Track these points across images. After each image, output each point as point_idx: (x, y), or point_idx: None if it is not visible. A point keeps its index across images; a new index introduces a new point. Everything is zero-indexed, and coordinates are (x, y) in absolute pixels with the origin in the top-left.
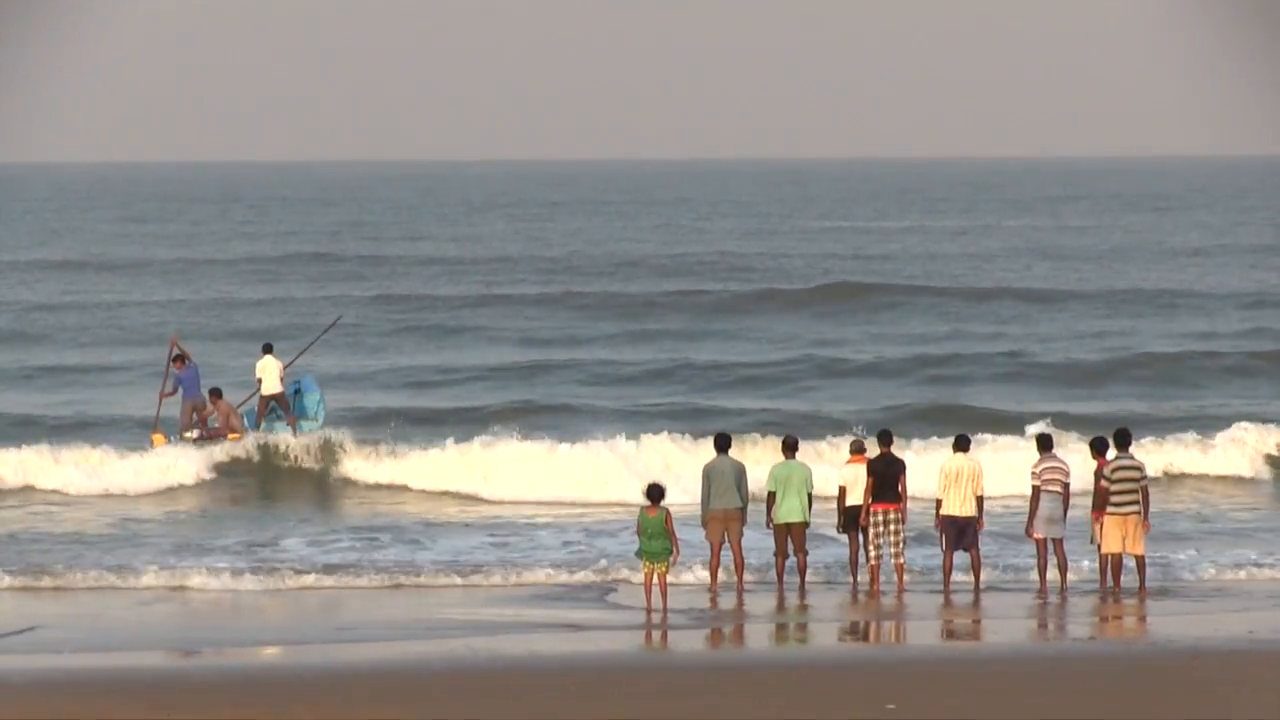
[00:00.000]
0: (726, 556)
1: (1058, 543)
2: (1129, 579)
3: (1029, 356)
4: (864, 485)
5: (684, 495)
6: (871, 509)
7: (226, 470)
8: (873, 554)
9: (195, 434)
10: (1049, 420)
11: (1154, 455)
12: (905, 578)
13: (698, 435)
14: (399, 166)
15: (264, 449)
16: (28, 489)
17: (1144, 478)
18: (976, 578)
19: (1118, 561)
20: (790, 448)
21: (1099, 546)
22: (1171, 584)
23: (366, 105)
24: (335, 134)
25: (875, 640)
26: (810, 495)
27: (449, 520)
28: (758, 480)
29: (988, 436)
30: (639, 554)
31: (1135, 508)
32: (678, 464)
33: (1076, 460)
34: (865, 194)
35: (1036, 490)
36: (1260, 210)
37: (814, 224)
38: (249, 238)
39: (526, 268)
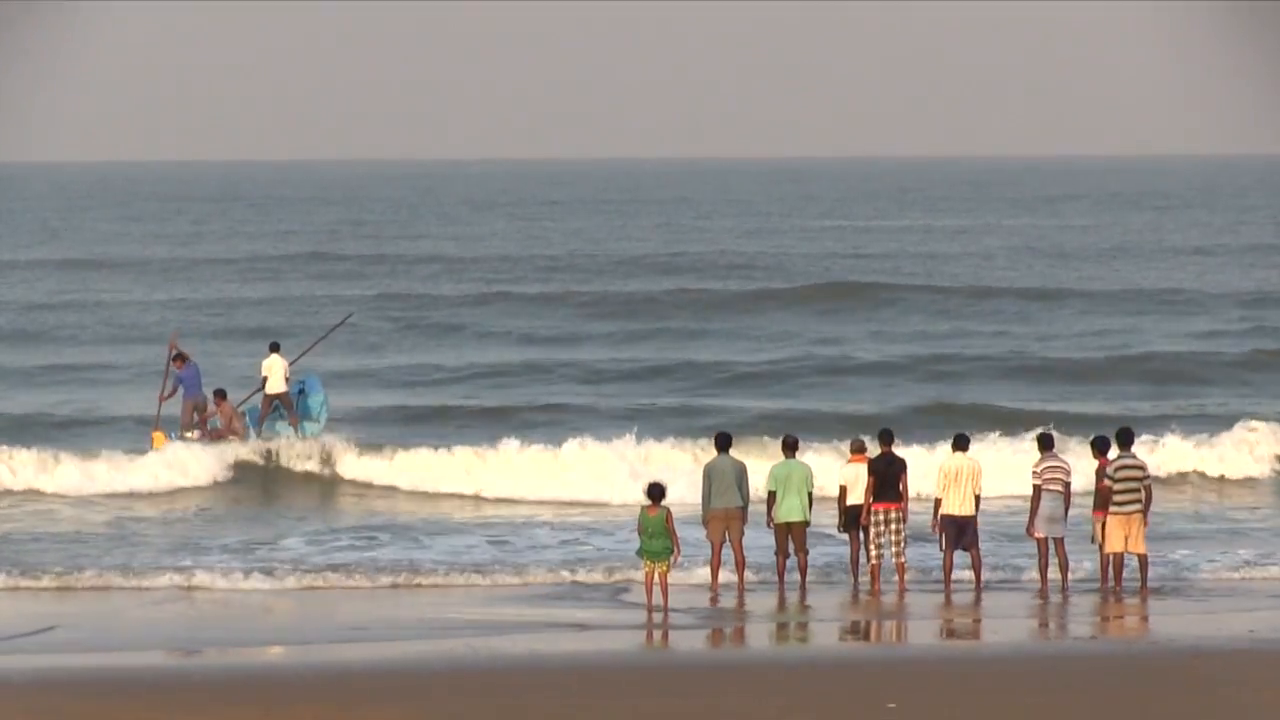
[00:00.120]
0: (727, 555)
1: (1059, 542)
2: (1130, 578)
3: (1029, 356)
4: (864, 485)
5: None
6: (872, 508)
7: (227, 470)
8: (873, 553)
9: (196, 434)
10: (1051, 425)
11: (1156, 455)
12: (906, 577)
13: (698, 434)
14: (399, 166)
15: (264, 449)
16: (27, 488)
17: (1147, 477)
18: (977, 577)
19: (1119, 561)
20: (790, 447)
21: (1100, 546)
22: (1173, 583)
23: (366, 105)
24: (335, 133)
25: (876, 639)
26: (810, 494)
27: (449, 520)
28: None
29: (994, 435)
30: (640, 553)
31: (1138, 507)
32: (677, 465)
33: (1077, 461)
34: (865, 193)
35: (1038, 489)
36: (1261, 209)
37: (814, 223)
38: (249, 237)
39: (526, 266)
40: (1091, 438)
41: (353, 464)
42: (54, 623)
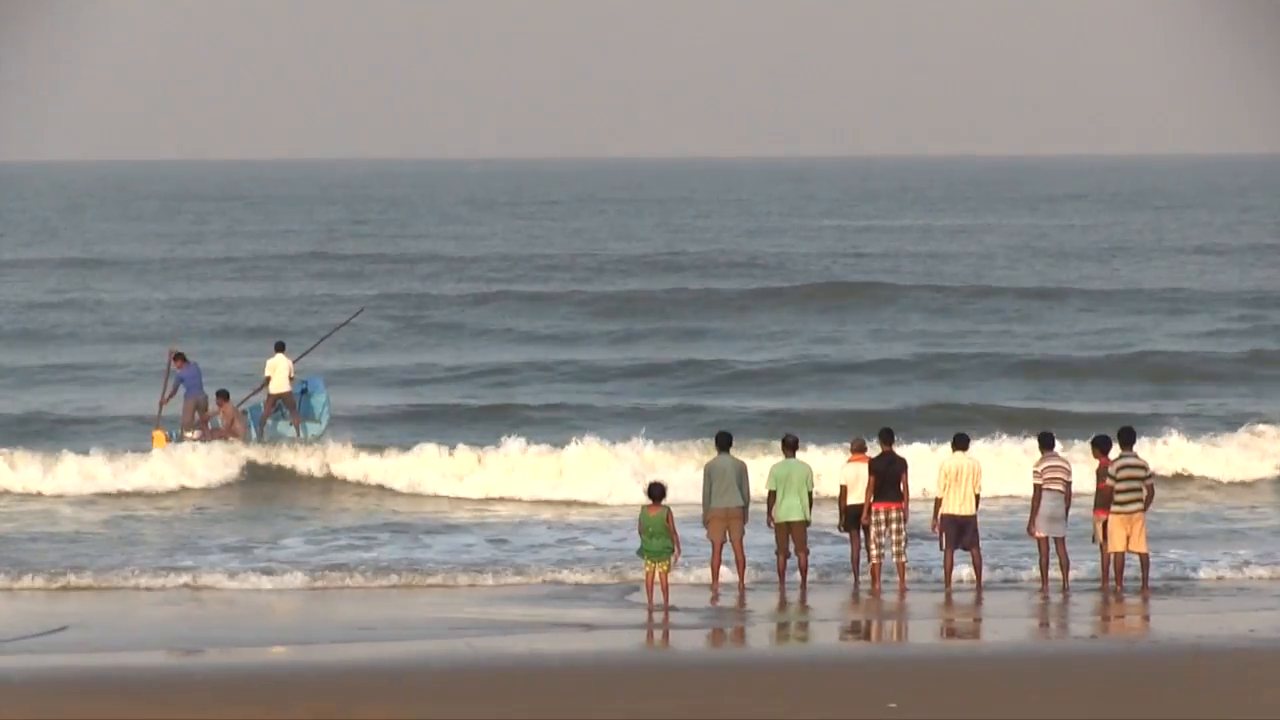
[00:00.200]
0: (728, 554)
1: (1059, 541)
2: (1132, 578)
3: (1030, 355)
4: (865, 484)
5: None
6: (873, 508)
7: (227, 471)
8: (874, 553)
9: (196, 434)
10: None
11: (1157, 454)
12: (907, 576)
13: (698, 433)
14: (399, 165)
15: (265, 450)
16: (27, 489)
17: (1149, 476)
18: (978, 576)
19: (1121, 560)
20: (790, 446)
21: (1102, 546)
22: (1174, 583)
23: (367, 104)
24: (335, 133)
25: (877, 639)
26: (811, 494)
27: (449, 519)
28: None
29: (996, 435)
30: (640, 552)
31: (1139, 506)
32: (677, 464)
33: (1082, 465)
34: (865, 192)
35: (1038, 489)
36: (1262, 209)
37: (814, 222)
38: (249, 236)
39: (526, 266)
40: (1092, 437)
41: (353, 464)
42: (59, 623)
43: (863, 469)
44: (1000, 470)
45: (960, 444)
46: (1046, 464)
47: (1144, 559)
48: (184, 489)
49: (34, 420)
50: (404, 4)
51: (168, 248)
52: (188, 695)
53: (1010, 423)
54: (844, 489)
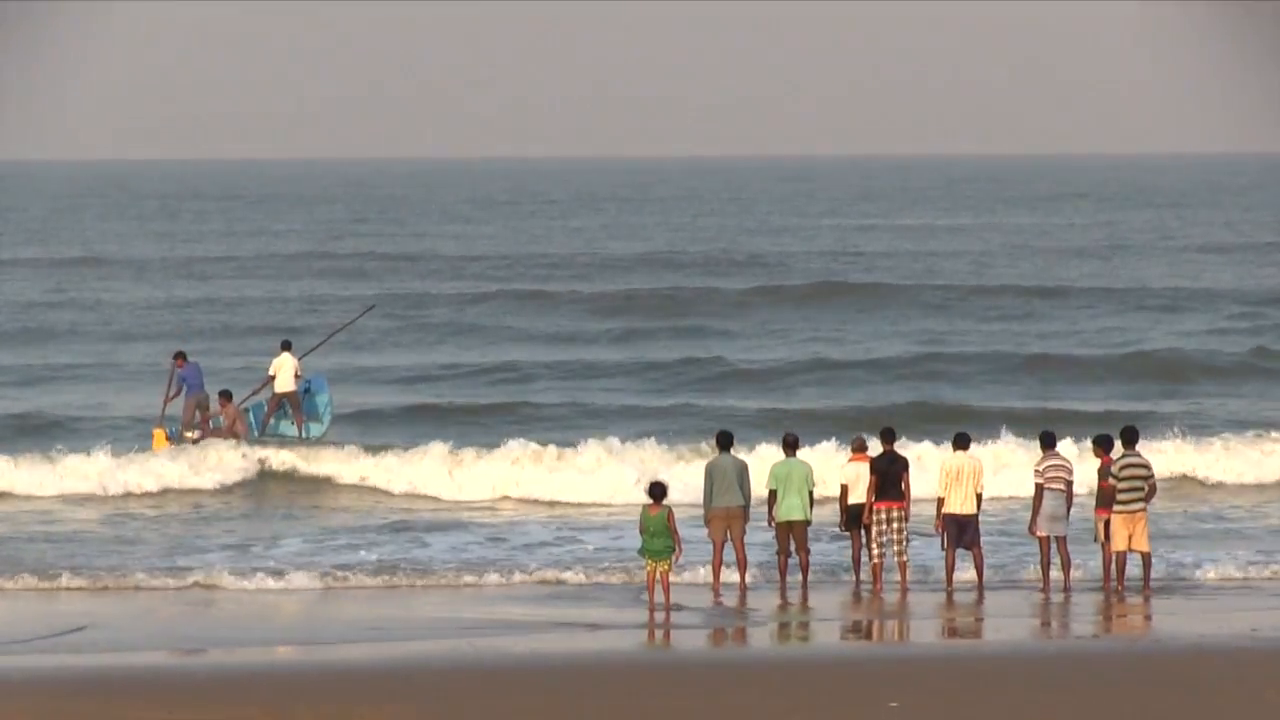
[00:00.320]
0: (729, 554)
1: (1060, 540)
2: (1133, 577)
3: (1031, 354)
4: (866, 484)
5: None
6: (874, 507)
7: (228, 471)
8: (875, 552)
9: (196, 434)
10: (1054, 432)
11: (1158, 454)
12: (908, 576)
13: (698, 433)
14: (400, 164)
15: (265, 450)
16: (27, 489)
17: (1151, 475)
18: (979, 576)
19: (1123, 559)
20: (790, 446)
21: (1103, 544)
22: (1175, 582)
23: (367, 103)
24: (335, 132)
25: (878, 638)
26: (811, 493)
27: (450, 519)
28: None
29: (999, 434)
30: (641, 552)
31: (1142, 505)
32: (677, 464)
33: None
34: (867, 191)
35: (1039, 488)
36: (1263, 208)
37: (815, 221)
38: (249, 235)
39: (527, 265)
40: (1094, 436)
41: (354, 464)
42: (65, 623)
43: (864, 468)
44: (1001, 470)
45: (961, 443)
46: (1048, 463)
47: (1146, 558)
48: (184, 489)
49: (34, 420)
50: (405, 4)
51: (168, 247)
52: (188, 695)
53: (1011, 422)
54: (845, 488)
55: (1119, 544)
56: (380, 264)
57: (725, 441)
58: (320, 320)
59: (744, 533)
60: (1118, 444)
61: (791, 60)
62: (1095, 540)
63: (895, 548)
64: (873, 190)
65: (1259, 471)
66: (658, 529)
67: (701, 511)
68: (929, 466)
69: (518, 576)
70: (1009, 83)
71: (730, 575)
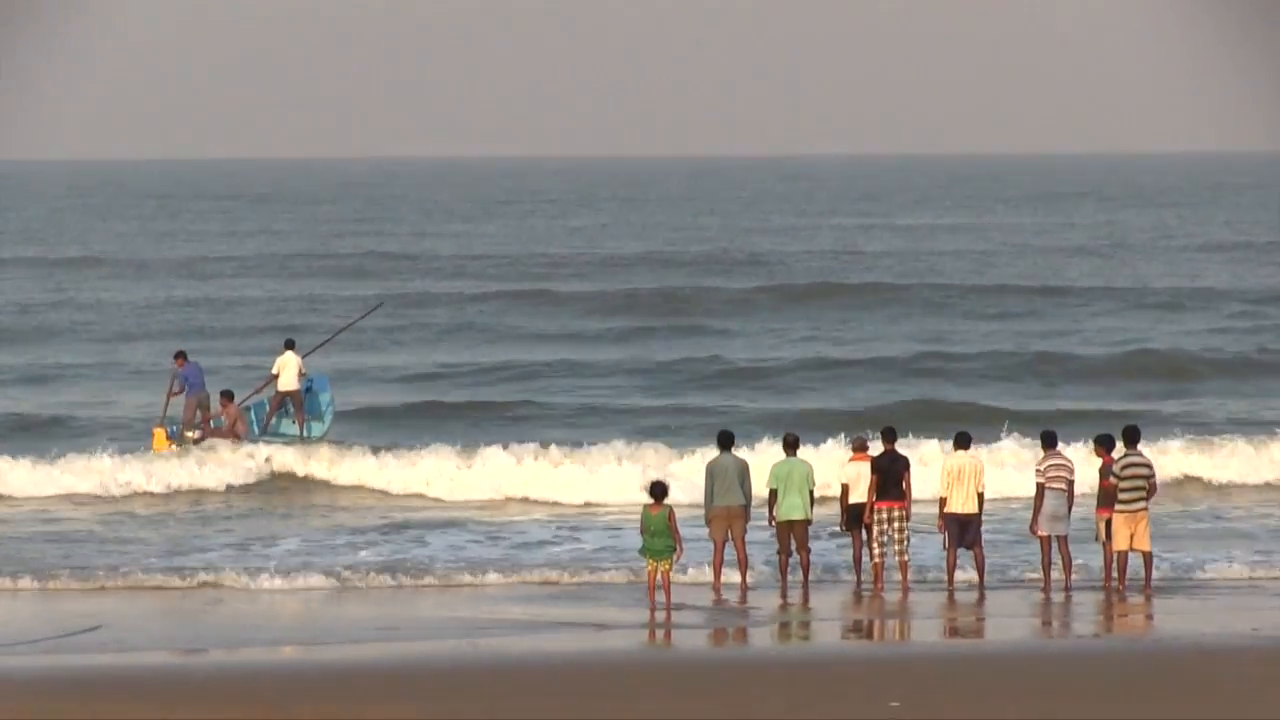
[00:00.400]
0: (730, 554)
1: (1062, 540)
2: (1135, 577)
3: (1032, 353)
4: (867, 483)
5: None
6: (876, 506)
7: (228, 471)
8: (876, 552)
9: (197, 434)
10: (1055, 431)
11: (1160, 453)
12: (909, 575)
13: (700, 432)
14: (399, 164)
15: (266, 450)
16: (28, 489)
17: (1153, 474)
18: (981, 575)
19: (1124, 559)
20: (791, 445)
21: (1104, 544)
22: (1176, 582)
23: (368, 103)
24: (334, 132)
25: (879, 638)
26: (812, 492)
27: (450, 519)
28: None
29: (1000, 434)
30: (642, 551)
31: (1144, 504)
32: (677, 463)
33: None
34: (867, 191)
35: (1041, 487)
36: (1265, 207)
37: (816, 220)
38: (249, 235)
39: (527, 265)
40: (1095, 435)
41: (354, 463)
42: (70, 624)
43: (865, 468)
44: (1003, 469)
45: (962, 443)
46: (1049, 462)
47: (1147, 557)
48: (184, 489)
49: (34, 420)
50: (406, 3)
51: (168, 246)
52: (190, 695)
53: (1013, 421)
54: (845, 488)
55: (1120, 543)
56: (381, 263)
57: (726, 441)
58: (320, 320)
59: (745, 532)
60: (1119, 443)
61: (792, 60)
62: (1096, 539)
63: (896, 547)
64: (873, 190)
65: (1260, 471)
66: (659, 528)
67: (702, 511)
68: (930, 466)
69: (518, 576)
70: (1009, 82)
71: (731, 575)
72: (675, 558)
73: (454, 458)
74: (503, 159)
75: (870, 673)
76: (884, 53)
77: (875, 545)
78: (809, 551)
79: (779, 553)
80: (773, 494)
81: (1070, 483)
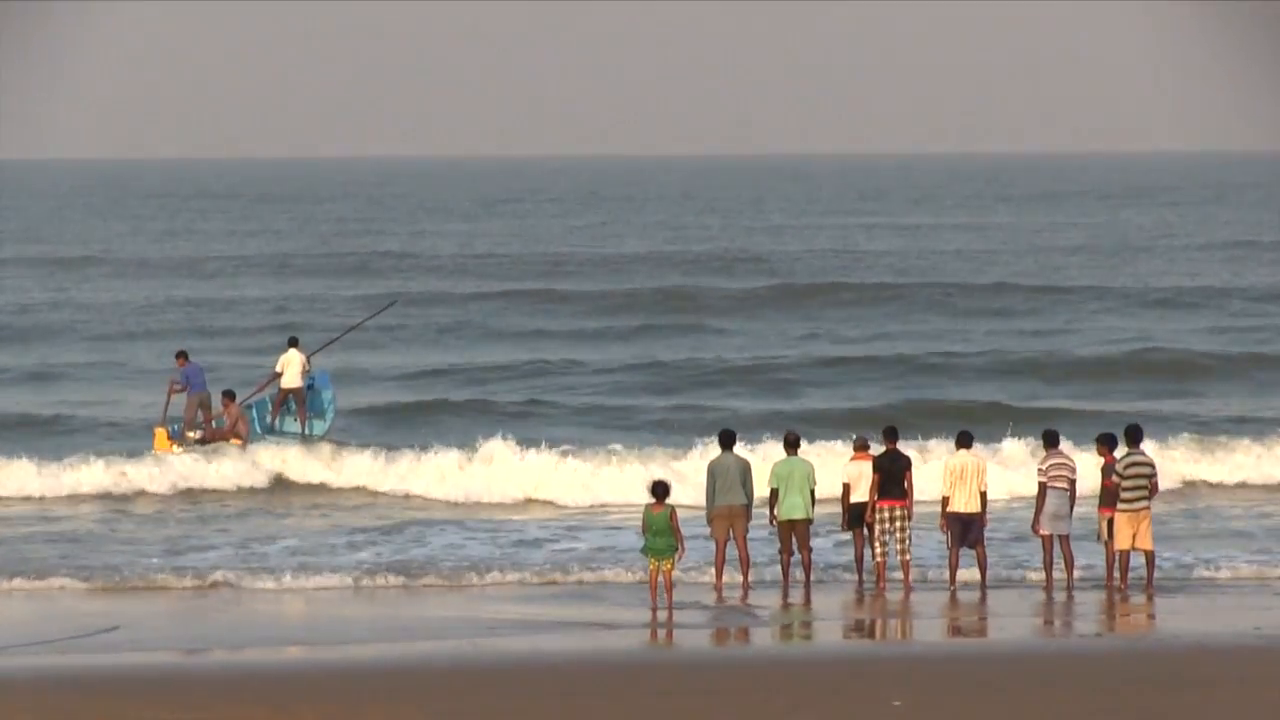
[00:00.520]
0: (731, 553)
1: (1064, 539)
2: (1136, 576)
3: (1033, 353)
4: (868, 482)
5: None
6: (877, 505)
7: (228, 472)
8: (878, 551)
9: (198, 434)
10: (1057, 431)
11: (1163, 453)
12: (911, 574)
13: (701, 432)
14: (400, 163)
15: (267, 450)
16: (28, 490)
17: (1155, 474)
18: (983, 574)
19: (1126, 558)
20: (791, 445)
21: (1106, 543)
22: (1179, 581)
23: (369, 102)
24: (338, 131)
25: (881, 637)
26: (813, 492)
27: (451, 520)
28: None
29: (1002, 433)
30: (644, 551)
31: (1146, 504)
32: (678, 463)
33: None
34: (869, 190)
35: (1043, 486)
36: (1264, 205)
37: (818, 220)
38: (250, 235)
39: (527, 264)
40: (1098, 434)
41: (355, 464)
42: (68, 625)
43: (866, 467)
44: (1004, 468)
45: (964, 442)
46: (1051, 462)
47: (1149, 557)
48: (184, 490)
49: (33, 420)
50: (406, 3)
51: (169, 246)
52: (191, 695)
53: (1014, 421)
54: (847, 487)
55: (1123, 542)
56: (382, 262)
57: (727, 440)
58: (320, 319)
59: (747, 531)
60: (1122, 443)
61: (792, 59)
62: (1098, 539)
63: (898, 546)
64: (874, 189)
65: (1261, 470)
66: (660, 528)
67: (704, 510)
68: (932, 465)
69: (519, 576)
70: (1009, 81)
71: (733, 574)
72: (677, 557)
73: (454, 457)
74: (503, 158)
75: (872, 672)
76: (884, 52)
77: (877, 544)
78: (810, 551)
79: (780, 552)
80: (774, 493)
81: (1072, 482)
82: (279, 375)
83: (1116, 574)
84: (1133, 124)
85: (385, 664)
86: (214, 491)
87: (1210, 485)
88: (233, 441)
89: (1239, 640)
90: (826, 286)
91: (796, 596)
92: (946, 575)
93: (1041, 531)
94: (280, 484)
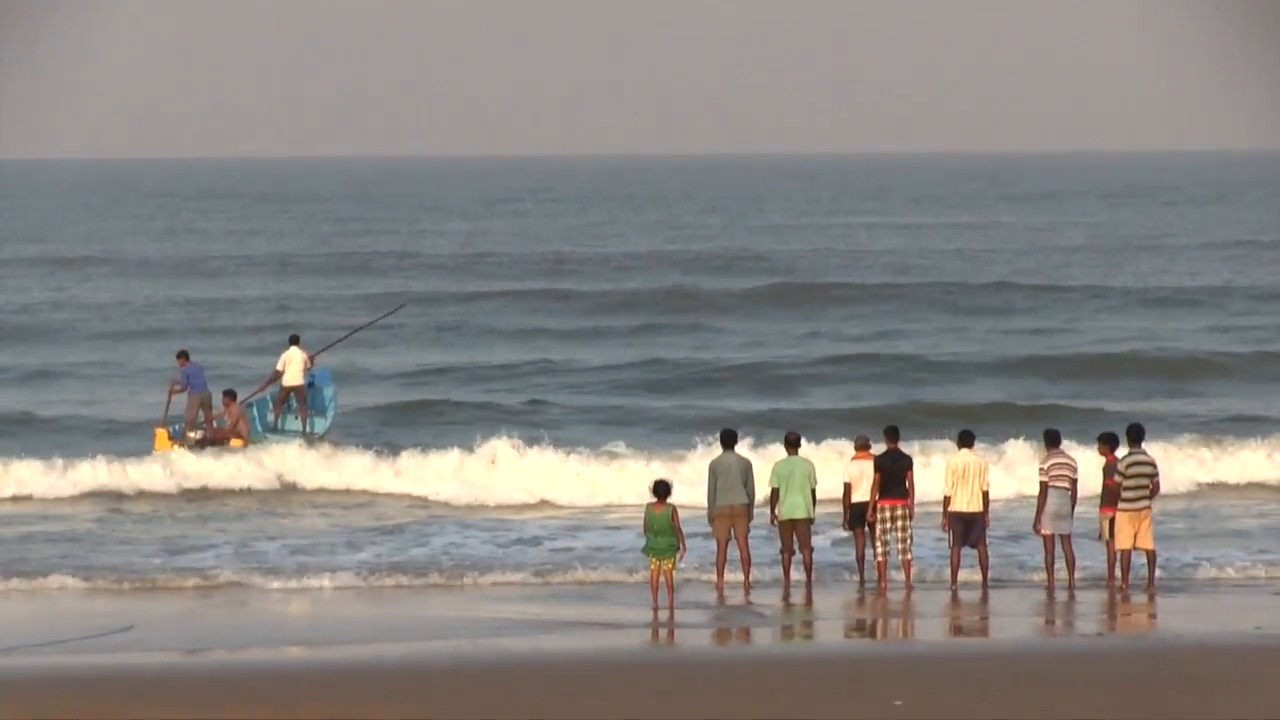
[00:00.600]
0: (733, 553)
1: (1065, 539)
2: (1138, 576)
3: (1034, 352)
4: (870, 482)
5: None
6: (879, 505)
7: (228, 472)
8: (879, 550)
9: (199, 434)
10: (1059, 430)
11: (1164, 452)
12: (912, 574)
13: (701, 430)
14: (400, 163)
15: (267, 450)
16: (29, 489)
17: (1156, 473)
18: (984, 574)
19: (1127, 557)
20: (792, 444)
21: (1107, 542)
22: (1180, 580)
23: (370, 102)
24: (336, 131)
25: (882, 636)
26: (814, 491)
27: (451, 519)
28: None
29: (1003, 433)
30: (645, 551)
31: (1148, 503)
32: (678, 463)
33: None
34: (869, 190)
35: (1044, 486)
36: (1264, 204)
37: (818, 220)
38: (250, 234)
39: (527, 264)
40: (1099, 434)
41: (355, 464)
42: (70, 626)
43: (867, 466)
44: (1005, 468)
45: (966, 441)
46: (1052, 461)
47: (1151, 556)
48: (184, 490)
49: (32, 420)
50: (407, 3)
51: (170, 245)
52: (192, 695)
53: (1015, 420)
54: (848, 486)
55: (1124, 542)
56: (383, 262)
57: (729, 440)
58: (321, 318)
59: (748, 531)
60: (1124, 442)
61: (792, 59)
62: (1099, 538)
63: (899, 546)
64: (875, 188)
65: (1263, 469)
66: (662, 527)
67: (705, 510)
68: (934, 465)
69: (519, 576)
70: (1009, 81)
71: (734, 574)
72: (678, 557)
73: (455, 456)
74: (504, 158)
75: (873, 672)
76: (885, 52)
77: (879, 544)
78: (811, 550)
79: (781, 552)
80: (774, 493)
81: (1074, 481)
82: (280, 373)
83: (1118, 573)
84: (1133, 124)
85: (386, 664)
86: (214, 491)
87: (1209, 484)
88: (234, 442)
89: (1240, 640)
90: (827, 286)
91: (798, 596)
92: (948, 575)
93: (1043, 531)
94: (281, 484)
